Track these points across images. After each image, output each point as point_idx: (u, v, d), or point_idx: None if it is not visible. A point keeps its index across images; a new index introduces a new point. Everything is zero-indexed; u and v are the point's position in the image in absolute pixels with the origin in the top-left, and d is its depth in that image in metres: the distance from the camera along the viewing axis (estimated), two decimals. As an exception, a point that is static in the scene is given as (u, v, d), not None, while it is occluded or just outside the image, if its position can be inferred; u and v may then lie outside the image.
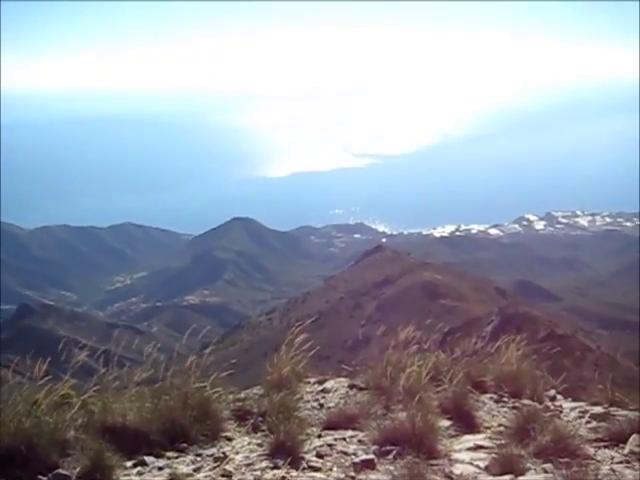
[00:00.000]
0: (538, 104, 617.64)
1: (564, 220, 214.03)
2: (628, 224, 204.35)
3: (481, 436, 5.57)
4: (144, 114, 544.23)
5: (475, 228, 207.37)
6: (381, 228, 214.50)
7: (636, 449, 5.04)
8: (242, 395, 6.45)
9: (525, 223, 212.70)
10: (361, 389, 6.71)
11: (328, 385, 6.96)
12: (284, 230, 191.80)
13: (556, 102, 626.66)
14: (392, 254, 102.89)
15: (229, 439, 5.49)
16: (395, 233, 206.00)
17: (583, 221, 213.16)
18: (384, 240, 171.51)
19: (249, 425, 5.76)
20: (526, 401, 6.48)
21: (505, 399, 6.59)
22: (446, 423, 5.72)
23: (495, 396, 6.65)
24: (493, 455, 4.96)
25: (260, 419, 5.77)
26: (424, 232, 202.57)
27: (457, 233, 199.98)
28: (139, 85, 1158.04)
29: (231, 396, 6.18)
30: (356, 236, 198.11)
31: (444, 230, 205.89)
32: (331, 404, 6.35)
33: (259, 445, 5.29)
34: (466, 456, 5.12)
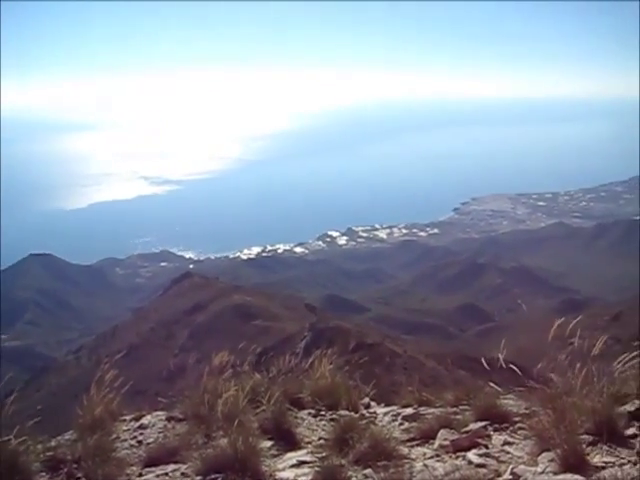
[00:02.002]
0: (333, 126, 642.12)
1: (364, 234, 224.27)
2: (422, 234, 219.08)
3: (303, 452, 5.65)
4: None
5: (281, 248, 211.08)
6: (187, 255, 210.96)
7: (444, 443, 5.39)
8: (53, 443, 6.05)
9: (328, 239, 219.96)
10: (180, 420, 6.56)
11: (145, 420, 6.75)
12: (87, 264, 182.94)
13: (351, 124, 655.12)
14: (201, 280, 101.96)
15: (41, 493, 5.16)
16: (202, 258, 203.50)
17: (382, 234, 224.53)
18: (191, 266, 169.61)
19: (63, 474, 5.42)
20: (343, 412, 6.65)
21: (323, 412, 6.72)
22: (268, 443, 5.72)
23: (313, 411, 6.77)
24: (316, 469, 5.05)
25: (75, 466, 5.44)
26: (231, 255, 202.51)
27: (264, 254, 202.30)
28: None
29: (40, 446, 5.76)
30: (162, 264, 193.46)
31: (251, 252, 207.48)
32: (150, 439, 6.16)
33: (76, 494, 5.01)
34: (290, 474, 5.16)
